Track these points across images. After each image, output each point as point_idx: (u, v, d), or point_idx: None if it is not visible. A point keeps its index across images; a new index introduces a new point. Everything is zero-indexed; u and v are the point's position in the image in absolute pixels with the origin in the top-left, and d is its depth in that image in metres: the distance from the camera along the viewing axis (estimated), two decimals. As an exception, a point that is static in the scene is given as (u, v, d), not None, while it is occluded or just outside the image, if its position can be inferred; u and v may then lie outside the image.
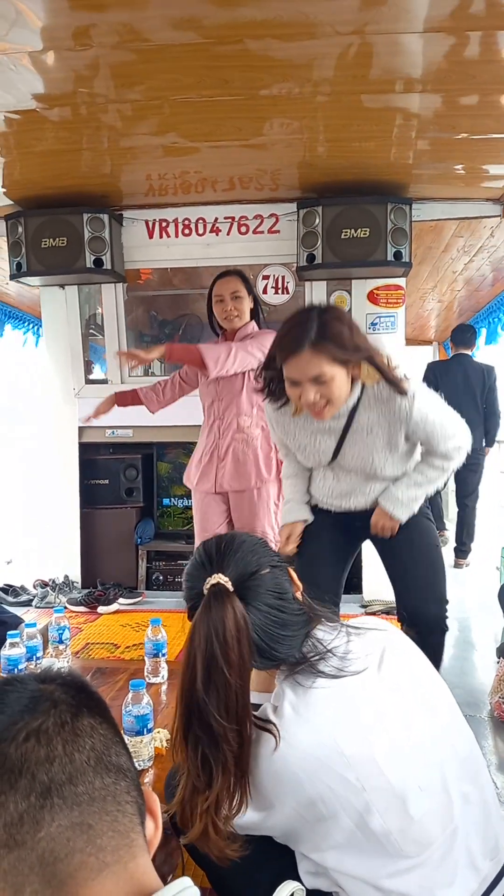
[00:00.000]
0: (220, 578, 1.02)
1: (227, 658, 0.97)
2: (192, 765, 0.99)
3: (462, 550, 4.62)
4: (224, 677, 0.97)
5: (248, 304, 2.83)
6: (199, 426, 3.73)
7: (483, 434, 4.46)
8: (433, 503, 5.19)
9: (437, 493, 5.05)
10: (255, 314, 2.91)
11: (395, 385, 1.76)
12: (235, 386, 2.83)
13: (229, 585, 1.02)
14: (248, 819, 1.06)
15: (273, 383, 1.84)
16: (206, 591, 1.02)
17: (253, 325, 2.88)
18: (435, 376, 4.57)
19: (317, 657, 1.05)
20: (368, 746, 0.98)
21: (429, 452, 1.93)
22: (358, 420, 1.84)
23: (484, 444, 4.54)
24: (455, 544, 4.68)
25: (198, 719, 0.98)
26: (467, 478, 4.56)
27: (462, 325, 4.87)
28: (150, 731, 1.51)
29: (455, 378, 4.44)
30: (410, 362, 5.53)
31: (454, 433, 1.89)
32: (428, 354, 7.90)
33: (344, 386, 1.73)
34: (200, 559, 1.08)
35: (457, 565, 4.59)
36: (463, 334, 4.66)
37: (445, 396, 4.52)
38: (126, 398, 3.02)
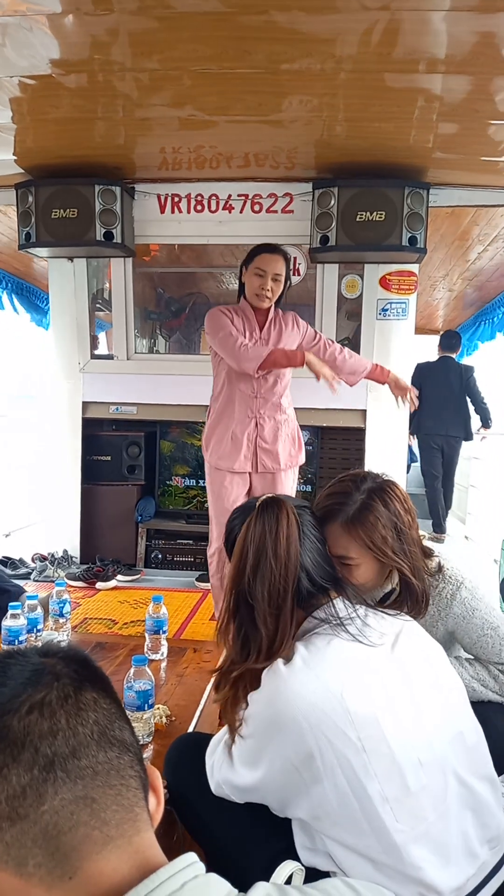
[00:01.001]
0: (274, 496, 1.18)
1: (275, 552, 1.11)
2: (235, 642, 1.15)
3: (439, 526, 5.32)
4: (270, 567, 1.11)
5: (281, 289, 2.73)
6: (203, 406, 3.70)
7: (464, 424, 5.23)
8: (432, 502, 5.39)
9: (451, 488, 5.40)
10: (278, 300, 2.82)
11: (416, 600, 1.42)
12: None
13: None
14: (247, 780, 1.07)
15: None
16: (258, 505, 1.16)
17: (272, 307, 2.81)
18: (421, 375, 5.09)
19: (341, 619, 1.10)
20: (373, 711, 1.00)
21: (483, 661, 1.54)
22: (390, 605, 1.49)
23: (480, 427, 5.46)
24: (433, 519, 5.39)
25: (244, 602, 1.13)
26: (450, 461, 5.30)
27: (449, 332, 5.49)
28: (150, 706, 1.51)
29: (438, 377, 5.14)
30: (421, 352, 5.72)
31: None
32: (435, 344, 7.85)
33: (372, 577, 1.44)
34: (248, 500, 1.24)
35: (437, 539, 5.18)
36: (449, 340, 5.33)
37: (430, 393, 4.81)
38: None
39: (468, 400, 5.23)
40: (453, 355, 5.30)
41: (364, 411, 3.63)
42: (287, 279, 2.74)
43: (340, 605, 1.13)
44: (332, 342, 2.90)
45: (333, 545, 1.39)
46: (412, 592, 1.41)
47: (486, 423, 5.43)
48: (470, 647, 1.53)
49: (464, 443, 5.35)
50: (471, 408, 5.29)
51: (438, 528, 5.21)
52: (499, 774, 1.14)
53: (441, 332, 5.50)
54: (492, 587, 3.59)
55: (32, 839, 0.49)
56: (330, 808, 0.99)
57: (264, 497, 1.19)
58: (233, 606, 1.15)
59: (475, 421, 5.39)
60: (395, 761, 0.98)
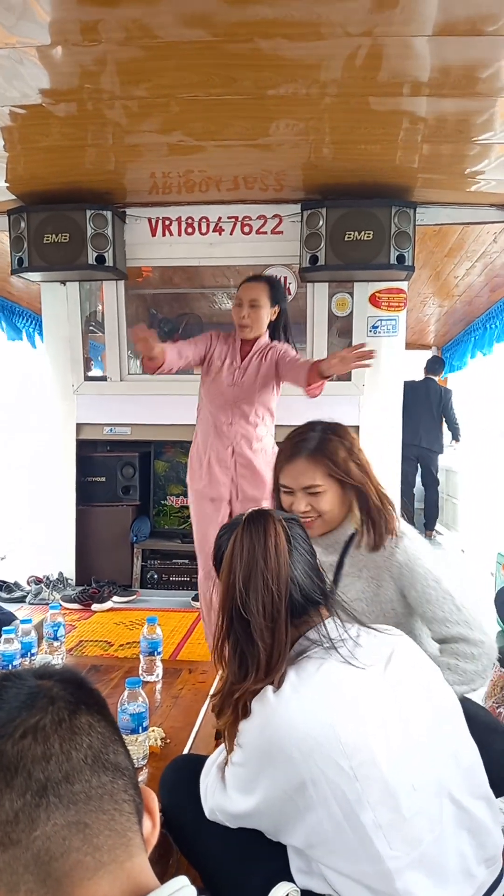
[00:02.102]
0: (261, 509, 1.18)
1: (266, 563, 1.10)
2: (232, 662, 1.12)
3: (431, 525, 6.23)
4: (263, 578, 1.09)
5: (266, 315, 2.73)
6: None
7: (438, 439, 6.14)
8: (428, 503, 6.02)
9: (437, 493, 6.02)
10: (276, 329, 2.82)
11: (378, 527, 1.58)
12: (254, 392, 2.75)
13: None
14: (240, 807, 1.06)
15: None
16: (245, 518, 1.15)
17: (266, 339, 2.80)
18: (405, 394, 5.78)
19: (332, 641, 1.08)
20: (365, 738, 0.98)
21: (441, 636, 1.56)
22: (348, 562, 1.65)
23: (451, 440, 6.35)
24: (425, 520, 6.25)
25: (238, 618, 1.11)
26: (428, 470, 6.08)
27: (434, 357, 6.40)
28: (145, 729, 1.50)
29: (420, 396, 5.90)
30: (411, 367, 6.15)
31: (471, 618, 1.54)
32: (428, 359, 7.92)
33: (337, 505, 1.61)
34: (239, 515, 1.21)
35: (427, 536, 6.07)
36: (434, 364, 6.21)
37: (413, 410, 5.16)
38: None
39: (443, 418, 6.15)
40: (436, 378, 6.18)
41: (357, 427, 3.65)
42: (277, 304, 2.75)
43: (332, 626, 1.11)
44: (295, 357, 2.78)
45: (301, 476, 1.59)
46: (373, 517, 1.58)
47: (456, 437, 6.36)
48: (417, 602, 1.56)
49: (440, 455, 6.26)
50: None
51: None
52: (497, 796, 1.13)
53: (429, 357, 6.36)
54: (488, 599, 3.58)
55: (24, 865, 0.49)
56: (324, 836, 0.98)
57: (251, 510, 1.18)
58: (227, 624, 1.13)
59: (447, 436, 6.39)
60: (388, 788, 0.97)
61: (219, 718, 1.14)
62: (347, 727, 0.98)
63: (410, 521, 5.61)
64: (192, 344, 2.80)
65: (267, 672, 1.07)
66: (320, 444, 1.60)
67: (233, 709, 1.10)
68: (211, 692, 1.90)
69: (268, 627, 1.08)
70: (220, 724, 1.14)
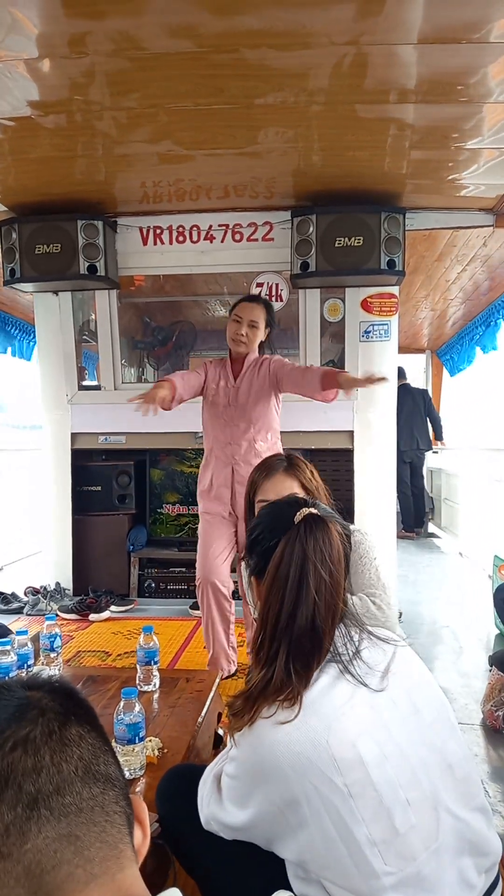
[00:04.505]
0: (313, 510, 1.12)
1: (332, 571, 1.06)
2: (279, 669, 1.03)
3: (420, 523, 6.43)
4: (330, 590, 1.06)
5: (261, 336, 2.78)
6: (192, 433, 3.74)
7: (428, 437, 6.49)
8: (417, 503, 6.24)
9: (423, 493, 6.30)
10: (261, 348, 2.86)
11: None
12: (250, 409, 2.77)
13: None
14: (235, 820, 1.06)
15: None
16: (297, 520, 1.10)
17: (254, 355, 2.82)
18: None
19: (332, 654, 1.06)
20: (359, 755, 0.97)
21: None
22: None
23: (434, 438, 6.66)
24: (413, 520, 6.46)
25: (302, 626, 1.04)
26: (417, 471, 6.45)
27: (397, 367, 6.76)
28: (141, 739, 1.49)
29: (407, 402, 6.14)
30: (409, 370, 6.51)
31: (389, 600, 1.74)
32: (421, 362, 7.95)
33: None
34: (280, 505, 1.19)
35: (416, 534, 6.35)
36: (400, 372, 6.29)
37: (405, 417, 5.62)
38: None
39: (427, 418, 6.50)
40: (407, 382, 6.48)
41: (351, 433, 3.66)
42: (269, 326, 2.78)
43: (338, 635, 1.09)
44: (295, 365, 2.83)
45: (281, 486, 1.81)
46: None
47: (440, 436, 6.69)
48: (355, 583, 1.79)
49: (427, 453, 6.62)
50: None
51: (409, 528, 6.33)
52: None
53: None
54: (486, 602, 3.59)
55: (16, 878, 0.49)
56: (317, 852, 0.97)
57: (307, 514, 1.12)
58: (278, 630, 1.06)
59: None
60: (382, 804, 0.96)
61: (238, 720, 1.06)
62: (341, 744, 0.97)
63: (420, 521, 5.74)
64: (192, 373, 2.84)
65: (305, 685, 1.02)
66: (290, 463, 1.88)
67: (252, 717, 1.04)
68: (208, 700, 1.90)
69: (325, 640, 1.05)
70: (235, 727, 1.06)
